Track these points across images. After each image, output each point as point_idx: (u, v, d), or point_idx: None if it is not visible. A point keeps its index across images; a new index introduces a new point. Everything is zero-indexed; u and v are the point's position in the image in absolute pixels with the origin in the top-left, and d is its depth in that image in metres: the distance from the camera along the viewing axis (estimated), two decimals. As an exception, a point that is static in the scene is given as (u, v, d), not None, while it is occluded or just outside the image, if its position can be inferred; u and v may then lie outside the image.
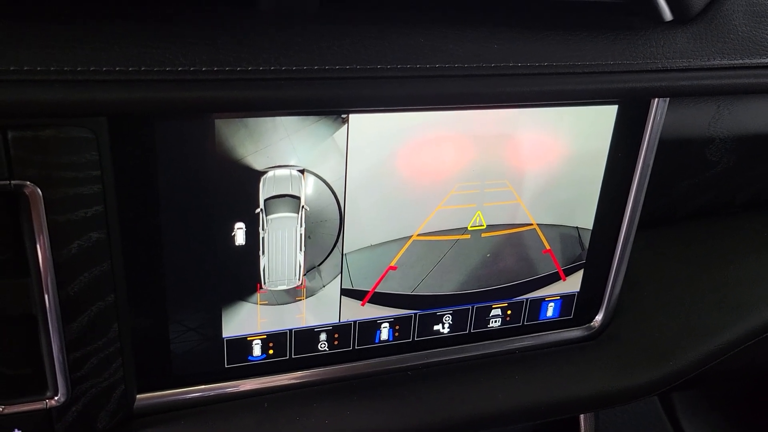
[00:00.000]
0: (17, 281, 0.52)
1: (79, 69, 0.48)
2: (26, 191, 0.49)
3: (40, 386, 0.56)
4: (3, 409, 0.55)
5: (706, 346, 0.78)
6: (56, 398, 0.56)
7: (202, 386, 0.65)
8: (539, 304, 0.74)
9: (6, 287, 0.52)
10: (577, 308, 0.76)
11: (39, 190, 0.49)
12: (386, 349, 0.70)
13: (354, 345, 0.69)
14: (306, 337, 0.67)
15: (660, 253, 0.84)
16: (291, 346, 0.66)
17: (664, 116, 0.68)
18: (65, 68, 0.47)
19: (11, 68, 0.46)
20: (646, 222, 0.78)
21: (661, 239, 0.85)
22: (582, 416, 0.91)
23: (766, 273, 0.84)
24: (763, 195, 0.87)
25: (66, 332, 0.54)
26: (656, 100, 0.66)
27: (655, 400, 1.95)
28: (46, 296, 0.53)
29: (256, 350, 0.65)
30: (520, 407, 0.72)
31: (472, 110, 0.61)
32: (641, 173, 0.70)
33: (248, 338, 0.65)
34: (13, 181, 0.49)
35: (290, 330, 0.66)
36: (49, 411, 0.57)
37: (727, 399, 1.78)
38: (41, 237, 0.51)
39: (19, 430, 0.56)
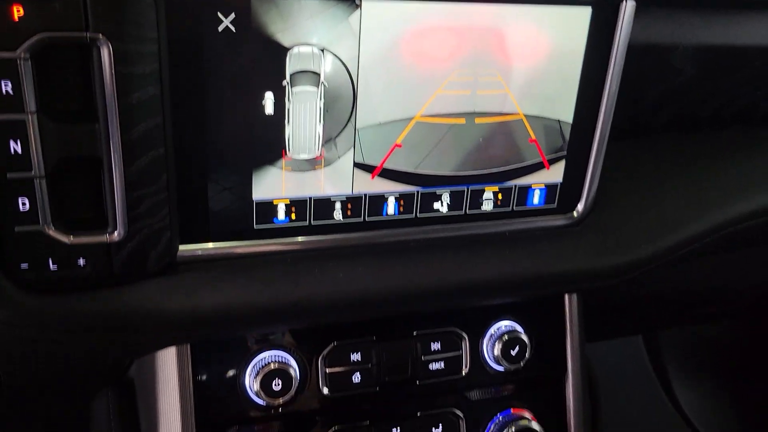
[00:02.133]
0: (87, 126, 0.63)
1: None
2: (99, 43, 0.60)
3: (102, 223, 0.67)
4: (71, 239, 0.66)
5: (678, 235, 0.89)
6: (116, 233, 0.67)
7: (235, 242, 0.75)
8: (526, 190, 0.85)
9: (77, 132, 0.63)
10: (560, 197, 0.86)
11: (109, 43, 0.60)
12: (392, 223, 0.81)
13: (365, 216, 0.79)
14: (323, 205, 0.77)
15: (634, 159, 0.94)
16: (310, 213, 0.77)
17: (632, 20, 0.78)
18: None
19: None
20: (620, 132, 0.88)
21: (635, 148, 0.96)
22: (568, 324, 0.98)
23: (737, 176, 0.94)
24: (725, 109, 0.97)
25: (126, 174, 0.65)
26: (624, 3, 0.77)
27: (647, 366, 2.05)
28: (111, 140, 0.63)
29: (281, 214, 0.76)
30: (509, 277, 0.82)
31: (467, 3, 0.72)
32: (614, 71, 0.80)
33: (274, 202, 0.75)
34: (88, 33, 0.60)
35: (310, 198, 0.76)
36: (108, 246, 0.67)
37: (716, 364, 1.87)
38: (109, 86, 0.62)
39: (83, 258, 0.67)
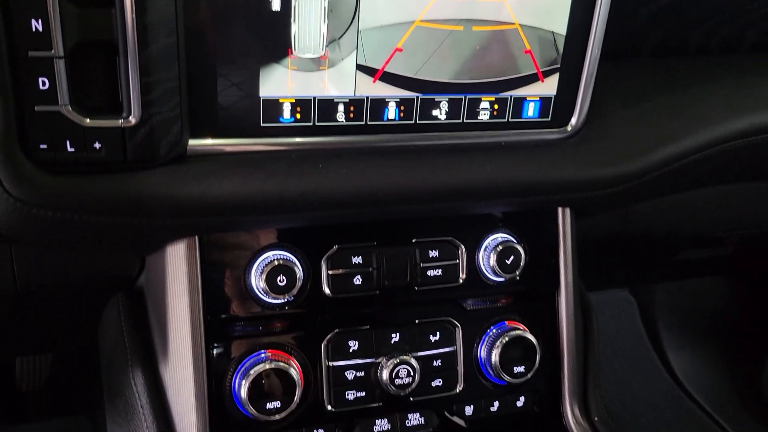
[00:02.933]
0: (104, 11, 0.67)
1: None
2: None
3: (117, 108, 0.70)
4: (88, 121, 0.69)
5: (670, 149, 0.92)
6: (131, 117, 0.70)
7: (242, 139, 0.78)
8: (521, 102, 0.88)
9: (95, 15, 0.67)
10: (554, 110, 0.90)
11: None
12: (393, 128, 0.84)
13: (366, 120, 0.83)
14: (327, 106, 0.80)
15: (627, 79, 0.98)
16: (314, 113, 0.80)
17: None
18: None
19: None
20: (612, 53, 0.91)
21: (628, 69, 0.99)
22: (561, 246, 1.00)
23: (730, 97, 0.98)
24: (715, 34, 1.01)
25: (140, 58, 0.68)
26: None
27: (643, 336, 2.08)
28: (127, 24, 0.67)
29: (286, 113, 0.79)
30: (503, 182, 0.86)
31: None
32: None
33: (280, 100, 0.78)
34: None
35: (314, 97, 0.80)
36: (123, 130, 0.71)
37: (709, 333, 1.91)
38: None
39: (99, 142, 0.70)
